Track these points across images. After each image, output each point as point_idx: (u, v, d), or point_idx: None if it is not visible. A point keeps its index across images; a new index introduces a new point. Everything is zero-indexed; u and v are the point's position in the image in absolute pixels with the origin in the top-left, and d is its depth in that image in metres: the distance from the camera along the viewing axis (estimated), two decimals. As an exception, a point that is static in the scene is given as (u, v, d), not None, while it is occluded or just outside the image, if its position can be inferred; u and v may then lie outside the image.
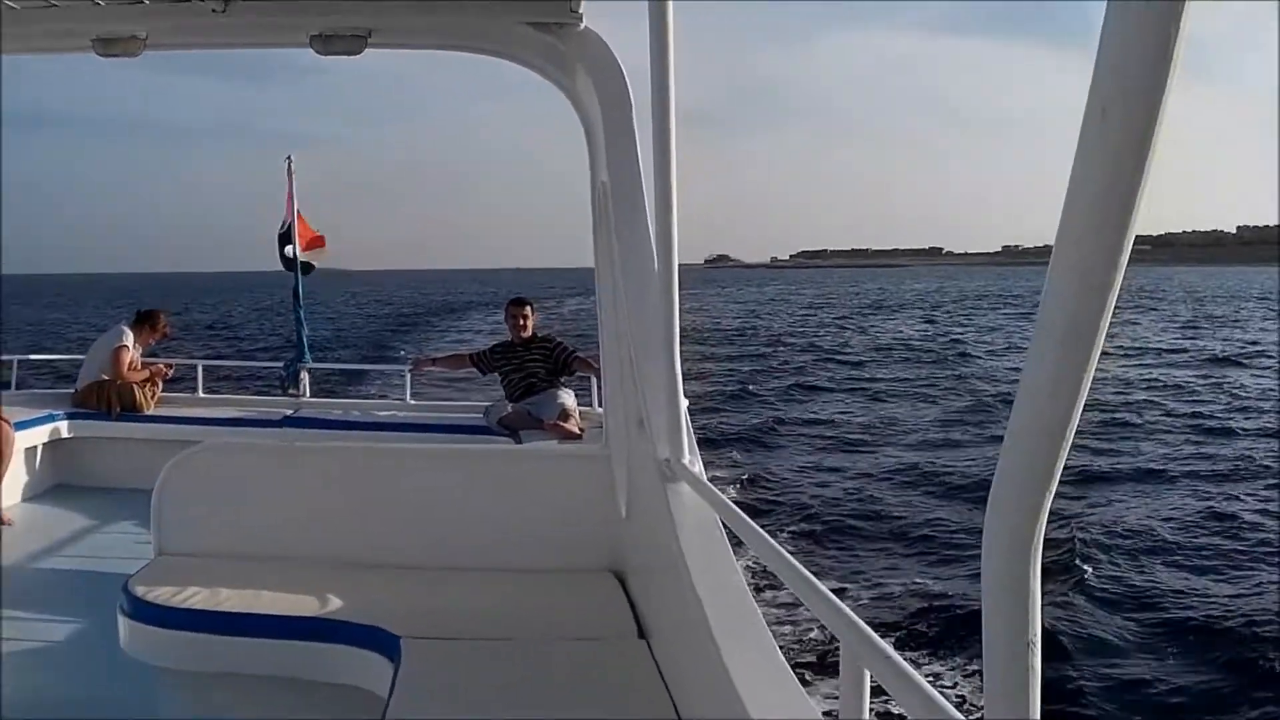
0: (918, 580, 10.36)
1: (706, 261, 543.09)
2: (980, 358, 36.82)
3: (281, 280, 10.34)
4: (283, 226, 9.88)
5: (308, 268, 10.04)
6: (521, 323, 8.54)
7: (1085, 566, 10.58)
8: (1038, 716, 1.25)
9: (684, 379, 3.50)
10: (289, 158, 9.91)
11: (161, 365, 9.37)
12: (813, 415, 23.04)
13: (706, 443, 19.04)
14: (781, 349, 41.17)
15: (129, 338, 9.09)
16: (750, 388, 27.63)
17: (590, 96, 4.30)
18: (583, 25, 4.33)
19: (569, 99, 4.59)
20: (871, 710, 1.78)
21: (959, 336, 47.32)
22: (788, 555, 2.20)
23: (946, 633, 8.78)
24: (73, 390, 9.21)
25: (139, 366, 9.21)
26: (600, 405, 7.77)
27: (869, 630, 1.72)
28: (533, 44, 4.49)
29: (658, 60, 2.97)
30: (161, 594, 4.03)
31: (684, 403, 3.52)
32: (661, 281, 3.34)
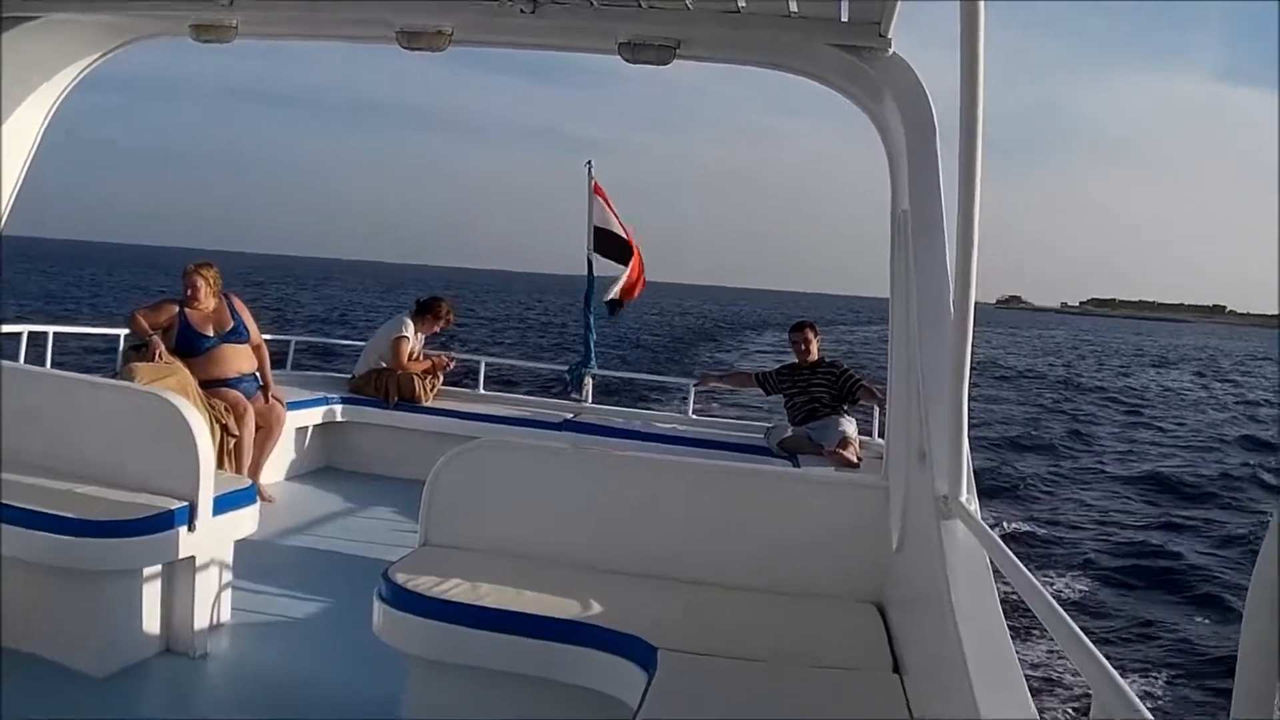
0: (1173, 634, 9.89)
1: (998, 302, 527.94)
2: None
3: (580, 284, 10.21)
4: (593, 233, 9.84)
5: (615, 306, 10.06)
6: (804, 346, 8.54)
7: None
8: None
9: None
10: (589, 163, 9.88)
11: (444, 356, 9.51)
12: (1092, 464, 22.23)
13: (984, 479, 18.62)
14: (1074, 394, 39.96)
15: (409, 328, 9.24)
16: (1032, 431, 26.94)
17: (895, 123, 4.24)
18: (891, 51, 4.29)
19: (874, 124, 4.56)
20: None
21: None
22: (1053, 602, 2.15)
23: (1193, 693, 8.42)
24: (350, 376, 9.44)
25: (419, 357, 9.38)
26: (880, 435, 7.68)
27: (1125, 686, 1.69)
28: (841, 67, 4.46)
29: (967, 89, 2.87)
30: (422, 583, 4.07)
31: (967, 439, 3.46)
32: (957, 314, 3.26)
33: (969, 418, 3.38)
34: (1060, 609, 2.12)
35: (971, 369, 3.37)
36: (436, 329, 9.53)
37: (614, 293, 9.94)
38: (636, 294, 10.09)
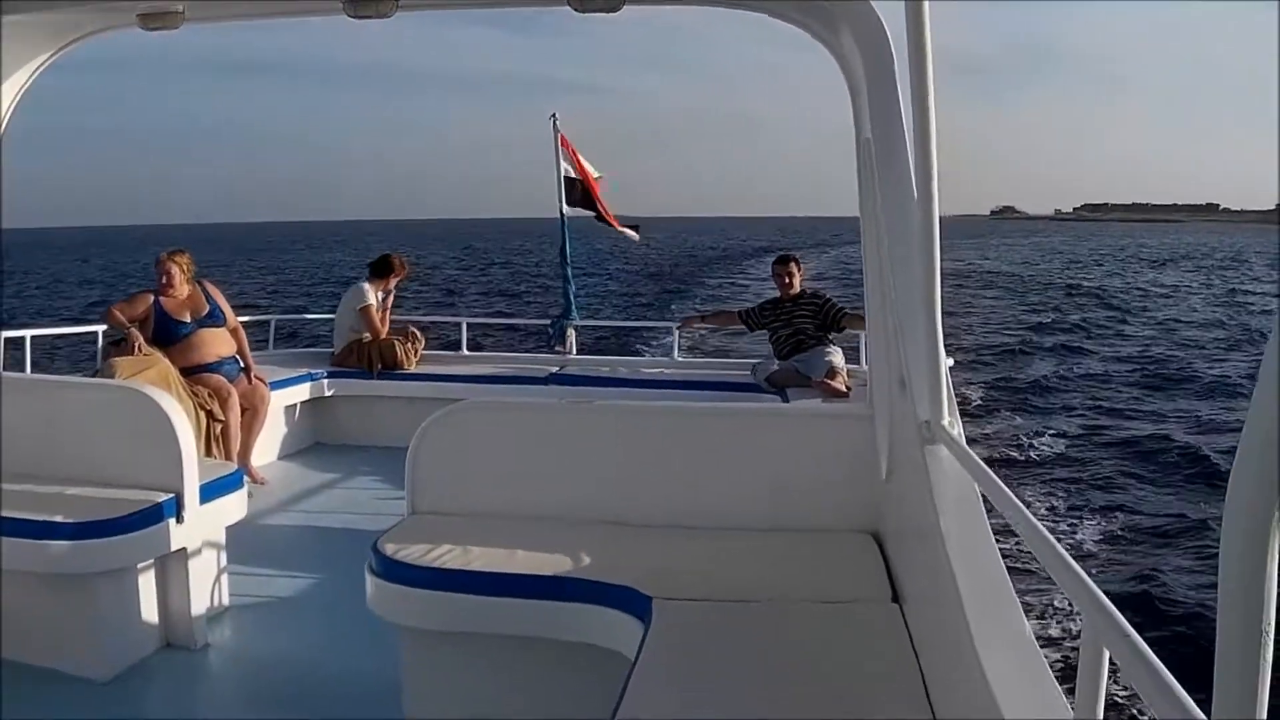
0: (1158, 566, 9.89)
1: (992, 213, 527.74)
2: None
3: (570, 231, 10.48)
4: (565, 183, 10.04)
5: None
6: (788, 280, 8.51)
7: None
8: (1265, 710, 1.19)
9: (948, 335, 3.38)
10: (553, 115, 9.98)
11: (414, 330, 9.49)
12: (1086, 373, 22.33)
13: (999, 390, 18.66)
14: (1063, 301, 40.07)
15: (370, 294, 9.25)
16: (1027, 342, 27.08)
17: (854, 54, 4.16)
18: None
19: (833, 56, 4.47)
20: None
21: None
22: (1040, 527, 2.11)
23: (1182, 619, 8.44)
24: (331, 352, 9.44)
25: (387, 316, 9.42)
26: (867, 363, 7.75)
27: (1114, 611, 1.66)
28: (797, 1, 4.38)
29: (914, 13, 2.88)
30: (411, 553, 4.07)
31: (946, 363, 3.42)
32: (922, 238, 3.21)
33: (944, 339, 3.34)
34: (1046, 532, 2.09)
35: (947, 282, 3.32)
36: (393, 283, 9.49)
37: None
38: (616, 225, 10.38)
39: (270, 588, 5.63)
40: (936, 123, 3.03)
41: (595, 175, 10.09)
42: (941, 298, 3.27)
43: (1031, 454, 14.32)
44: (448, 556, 4.03)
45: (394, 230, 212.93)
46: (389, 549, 4.10)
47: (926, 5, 2.85)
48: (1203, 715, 1.34)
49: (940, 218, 3.20)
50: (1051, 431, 15.93)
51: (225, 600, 5.26)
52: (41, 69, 5.55)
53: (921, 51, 2.91)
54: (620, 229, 10.38)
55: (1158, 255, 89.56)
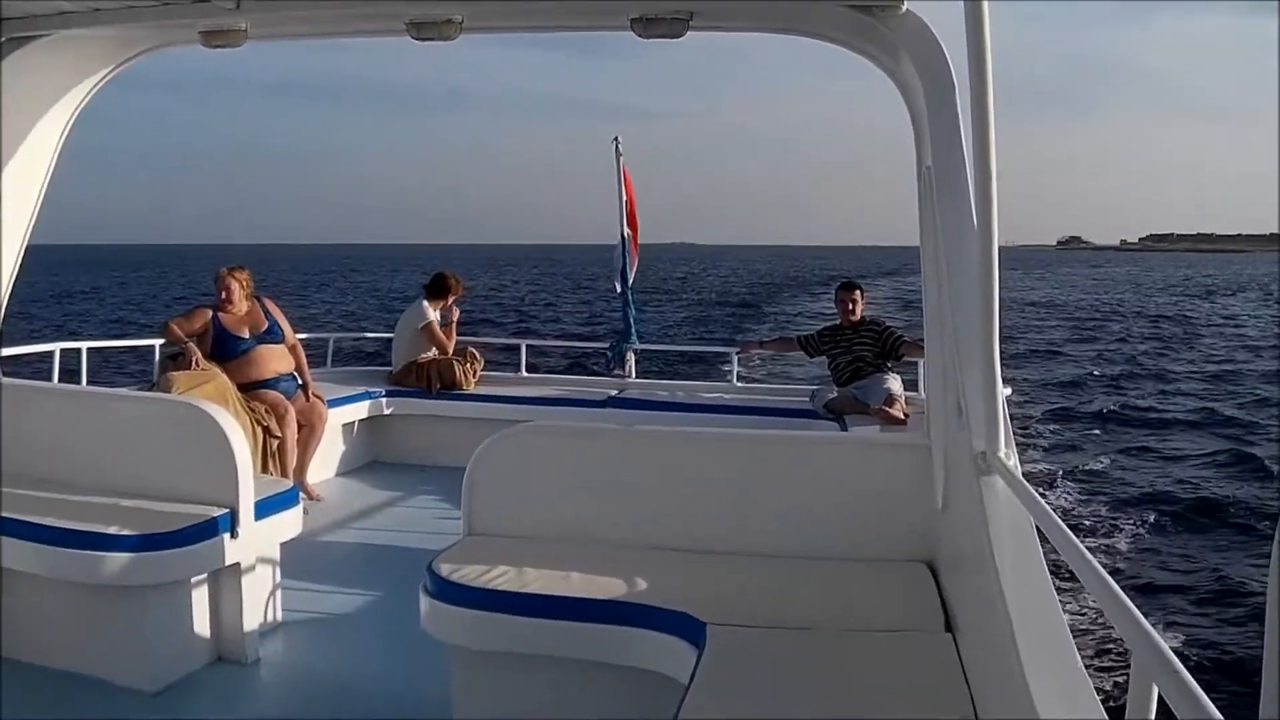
0: (1205, 600, 9.70)
1: (1058, 243, 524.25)
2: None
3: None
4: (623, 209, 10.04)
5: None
6: (850, 306, 8.52)
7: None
8: None
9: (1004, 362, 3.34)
10: (616, 139, 9.98)
11: (473, 351, 9.52)
12: (1146, 406, 22.00)
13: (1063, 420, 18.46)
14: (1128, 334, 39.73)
15: (430, 312, 9.29)
16: (1093, 373, 26.79)
17: (914, 80, 4.15)
18: (904, 8, 4.18)
19: (894, 82, 4.46)
20: None
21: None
22: (1093, 561, 2.09)
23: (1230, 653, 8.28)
24: (389, 370, 9.47)
25: (453, 332, 9.47)
26: (924, 391, 7.65)
27: (1165, 647, 1.63)
28: (855, 27, 4.36)
29: (974, 43, 2.84)
30: (466, 574, 4.06)
31: (1003, 393, 3.38)
32: (982, 267, 3.17)
33: (1002, 368, 3.31)
34: (1099, 566, 2.06)
35: (1005, 312, 3.28)
36: (451, 302, 9.51)
37: (627, 282, 10.21)
38: (634, 267, 10.28)
39: (323, 604, 5.63)
40: (998, 150, 3.00)
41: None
42: (1000, 327, 3.24)
43: (1086, 484, 14.13)
44: (503, 578, 4.03)
45: (469, 253, 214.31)
46: (444, 569, 4.10)
47: (988, 31, 2.82)
48: None
49: (1004, 247, 3.16)
50: (1107, 461, 15.77)
51: (278, 615, 5.26)
52: (102, 83, 5.63)
53: (982, 78, 2.87)
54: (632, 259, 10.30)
55: (1222, 284, 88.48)
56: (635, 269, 10.26)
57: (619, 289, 10.25)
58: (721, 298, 61.02)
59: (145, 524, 4.58)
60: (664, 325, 38.62)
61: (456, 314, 9.57)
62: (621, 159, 9.91)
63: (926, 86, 4.02)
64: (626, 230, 10.05)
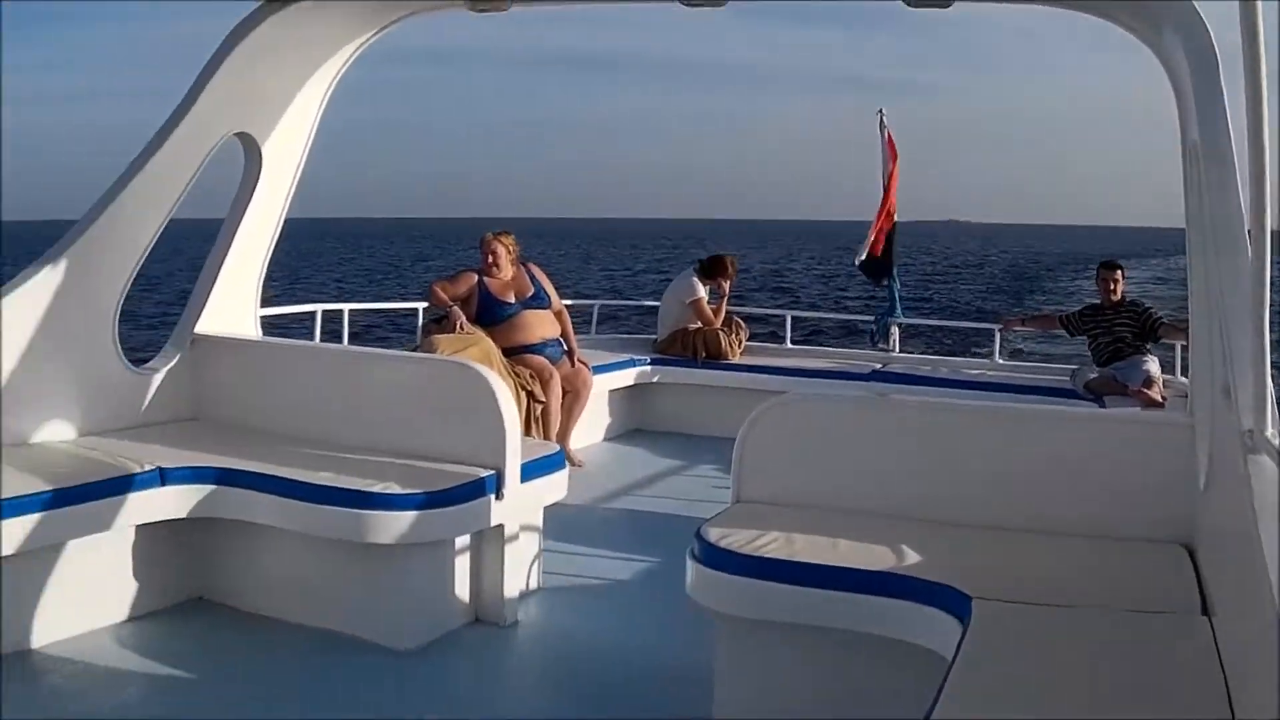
0: None
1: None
2: None
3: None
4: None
5: (872, 269, 10.16)
6: (1112, 286, 8.44)
7: None
8: None
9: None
10: (880, 111, 9.94)
11: (738, 320, 9.53)
12: None
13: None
14: None
15: (700, 289, 9.33)
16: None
17: (1178, 54, 4.02)
18: None
19: (1156, 56, 4.36)
20: None
21: None
22: None
23: None
24: (653, 339, 9.58)
25: (722, 309, 9.47)
26: (1183, 373, 7.50)
27: None
28: (1121, 1, 4.29)
29: (1247, 13, 2.79)
30: (735, 539, 3.98)
31: (1270, 371, 3.31)
32: (1255, 244, 3.11)
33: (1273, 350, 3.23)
34: None
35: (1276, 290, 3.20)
36: (724, 285, 9.52)
37: (862, 254, 10.01)
38: (879, 250, 10.06)
39: (584, 569, 5.66)
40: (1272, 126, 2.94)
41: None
42: (1271, 307, 3.17)
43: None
44: (772, 546, 3.98)
45: (747, 229, 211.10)
46: (714, 535, 4.05)
47: (1260, 3, 2.76)
48: None
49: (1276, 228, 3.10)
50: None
51: (539, 579, 5.31)
52: (364, 47, 5.68)
53: (1255, 49, 2.82)
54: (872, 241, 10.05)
55: None
56: (893, 243, 10.13)
57: (859, 260, 10.16)
58: (989, 276, 59.16)
59: (413, 483, 4.62)
60: (920, 299, 37.71)
61: (726, 290, 9.57)
62: (887, 130, 9.84)
63: (1190, 59, 3.91)
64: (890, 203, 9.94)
